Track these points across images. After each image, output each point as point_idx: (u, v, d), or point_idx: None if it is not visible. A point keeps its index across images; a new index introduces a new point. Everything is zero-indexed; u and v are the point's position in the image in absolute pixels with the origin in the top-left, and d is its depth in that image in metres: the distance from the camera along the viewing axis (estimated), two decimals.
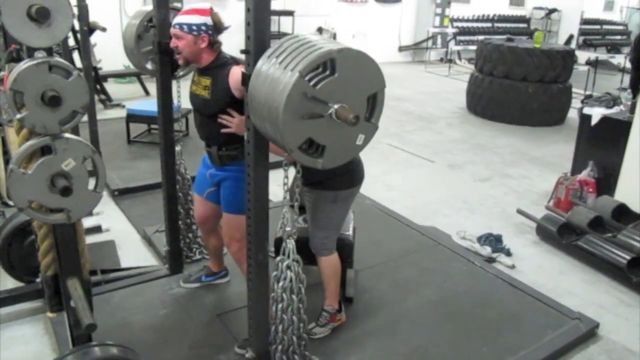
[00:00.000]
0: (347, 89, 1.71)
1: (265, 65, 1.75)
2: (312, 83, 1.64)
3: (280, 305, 2.22)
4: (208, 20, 2.39)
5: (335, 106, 1.67)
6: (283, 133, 1.66)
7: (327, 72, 1.67)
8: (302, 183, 2.35)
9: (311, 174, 2.43)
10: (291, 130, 1.67)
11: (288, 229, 2.18)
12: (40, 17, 1.73)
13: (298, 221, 2.97)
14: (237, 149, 2.52)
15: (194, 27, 2.37)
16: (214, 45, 2.44)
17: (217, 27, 2.43)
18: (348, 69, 1.68)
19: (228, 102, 2.40)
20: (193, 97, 2.55)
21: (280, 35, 10.23)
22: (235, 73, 2.34)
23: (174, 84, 2.97)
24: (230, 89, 2.37)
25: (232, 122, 2.40)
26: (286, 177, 2.14)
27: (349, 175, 2.59)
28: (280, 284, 2.19)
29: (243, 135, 2.05)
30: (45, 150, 1.87)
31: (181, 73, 2.97)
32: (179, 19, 2.41)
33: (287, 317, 2.24)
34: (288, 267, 2.18)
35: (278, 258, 2.20)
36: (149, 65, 2.98)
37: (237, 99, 2.36)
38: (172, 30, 2.42)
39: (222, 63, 2.45)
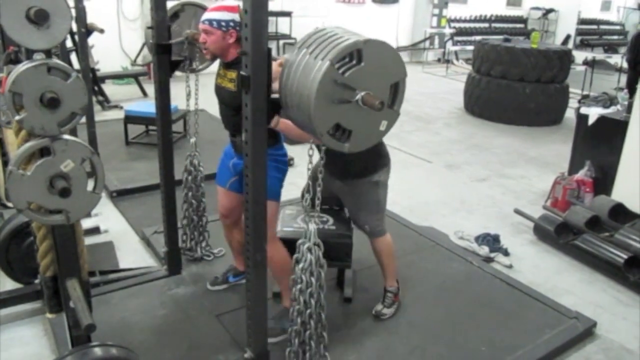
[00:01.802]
0: (372, 77, 1.82)
1: (295, 56, 1.86)
2: (341, 71, 1.76)
3: (299, 287, 2.24)
4: (236, 16, 2.47)
5: (362, 93, 1.78)
6: (314, 118, 1.77)
7: (354, 62, 1.78)
8: (334, 177, 2.61)
9: (351, 165, 2.65)
10: (321, 115, 1.78)
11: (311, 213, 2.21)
12: (39, 19, 1.73)
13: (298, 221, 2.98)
14: None
15: (223, 23, 2.47)
16: (241, 40, 2.48)
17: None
18: (373, 59, 1.79)
19: None
20: (219, 89, 2.65)
21: (277, 36, 10.25)
22: None
23: (192, 77, 3.06)
24: None
25: None
26: (310, 162, 2.14)
27: (383, 156, 2.80)
28: (300, 265, 2.21)
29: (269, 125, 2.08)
30: (44, 151, 1.87)
31: (200, 67, 3.07)
32: (208, 15, 2.50)
33: (305, 297, 2.25)
34: (309, 250, 2.20)
35: (300, 241, 2.22)
36: None
37: None
38: (202, 26, 2.51)
39: None
